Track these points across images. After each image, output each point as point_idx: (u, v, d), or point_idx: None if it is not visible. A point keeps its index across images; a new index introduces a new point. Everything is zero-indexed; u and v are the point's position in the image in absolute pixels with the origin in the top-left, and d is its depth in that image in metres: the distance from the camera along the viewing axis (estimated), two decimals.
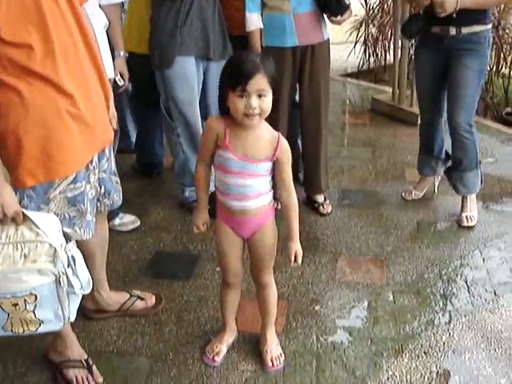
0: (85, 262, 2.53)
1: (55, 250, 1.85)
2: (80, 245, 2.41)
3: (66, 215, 2.06)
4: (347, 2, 3.31)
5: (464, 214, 3.59)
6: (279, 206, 2.25)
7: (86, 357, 2.39)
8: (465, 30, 3.24)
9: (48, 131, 1.87)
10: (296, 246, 2.23)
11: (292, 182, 2.19)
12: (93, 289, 2.59)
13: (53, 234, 1.87)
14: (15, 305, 1.84)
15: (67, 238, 1.98)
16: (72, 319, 2.01)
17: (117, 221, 3.48)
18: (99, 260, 2.59)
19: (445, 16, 3.15)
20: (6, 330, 1.91)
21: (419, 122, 3.89)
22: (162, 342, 2.60)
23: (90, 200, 2.13)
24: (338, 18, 3.35)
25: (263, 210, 2.22)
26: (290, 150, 2.14)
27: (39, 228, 1.84)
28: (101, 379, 2.35)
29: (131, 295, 2.77)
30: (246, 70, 1.96)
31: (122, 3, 3.45)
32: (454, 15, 3.15)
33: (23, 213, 1.85)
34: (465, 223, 3.54)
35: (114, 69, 3.26)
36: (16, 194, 1.90)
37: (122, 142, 3.91)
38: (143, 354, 2.53)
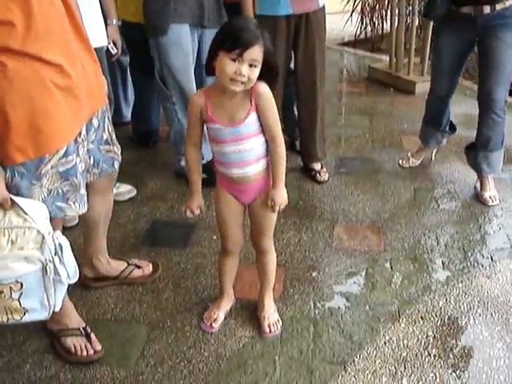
0: (88, 230, 2.58)
1: (43, 236, 1.82)
2: (85, 216, 2.42)
3: (60, 190, 2.02)
4: None
5: (487, 194, 3.50)
6: None
7: (84, 325, 2.39)
8: (499, 7, 3.15)
9: (35, 105, 1.81)
10: (277, 194, 2.18)
11: (280, 130, 2.14)
12: (92, 256, 2.63)
13: (41, 221, 1.84)
14: (0, 292, 1.81)
15: (54, 226, 1.95)
16: (57, 309, 1.98)
17: (113, 190, 3.47)
18: (102, 228, 2.60)
19: None
20: None
21: (429, 96, 3.77)
22: (160, 309, 2.61)
23: (81, 173, 2.09)
24: None
25: (262, 174, 2.21)
26: (269, 94, 2.09)
27: (27, 214, 1.81)
28: (99, 347, 2.35)
29: (129, 264, 2.77)
30: (246, 37, 1.93)
31: None
32: None
33: (11, 199, 1.82)
34: (490, 203, 3.45)
35: (107, 37, 3.23)
36: (6, 172, 1.87)
37: (113, 117, 3.90)
38: (141, 322, 2.54)
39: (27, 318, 1.91)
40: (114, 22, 3.37)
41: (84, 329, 2.38)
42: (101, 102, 2.21)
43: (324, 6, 3.46)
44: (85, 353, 2.33)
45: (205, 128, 2.18)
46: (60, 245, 1.90)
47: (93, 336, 2.37)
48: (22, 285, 1.82)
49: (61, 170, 1.97)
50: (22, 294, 1.84)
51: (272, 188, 2.21)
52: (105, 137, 2.27)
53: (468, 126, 4.33)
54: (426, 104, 3.84)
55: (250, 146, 2.12)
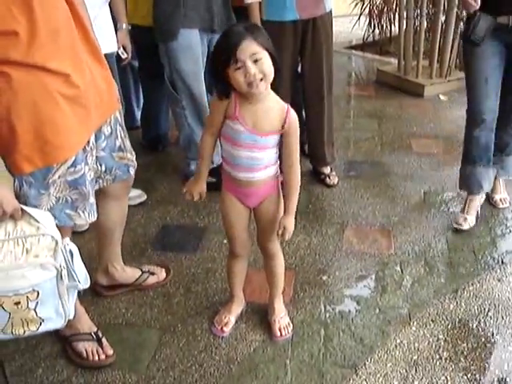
0: (104, 237, 2.57)
1: (56, 242, 1.82)
2: (101, 222, 2.42)
3: (68, 198, 2.02)
4: None
5: (498, 197, 3.46)
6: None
7: (96, 329, 2.40)
8: None
9: (41, 115, 1.81)
10: (287, 221, 2.19)
11: (298, 156, 2.17)
12: (108, 264, 2.62)
13: (53, 227, 1.85)
14: (17, 303, 1.79)
15: (63, 234, 1.93)
16: (71, 316, 1.97)
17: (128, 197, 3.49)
18: (117, 235, 2.60)
19: None
20: (6, 332, 1.85)
21: (472, 128, 3.12)
22: (171, 313, 2.61)
23: (90, 182, 2.08)
24: None
25: (269, 180, 2.21)
26: (297, 122, 2.12)
27: (38, 222, 1.81)
28: (111, 351, 2.36)
29: (143, 271, 2.77)
30: (231, 40, 1.94)
31: None
32: None
33: (22, 209, 1.83)
34: (500, 205, 3.43)
35: (117, 42, 3.24)
36: (14, 181, 1.88)
37: (125, 121, 3.92)
38: (152, 326, 2.54)
39: (43, 327, 1.90)
40: (124, 26, 3.38)
41: (95, 333, 2.39)
42: (112, 108, 2.19)
43: (331, 11, 3.46)
44: (96, 357, 2.34)
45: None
46: (71, 251, 1.90)
47: (104, 341, 2.38)
48: (38, 293, 1.81)
49: (69, 179, 1.96)
50: (38, 303, 1.82)
51: (284, 214, 2.22)
52: (118, 144, 2.25)
53: None
54: (468, 140, 3.20)
55: (262, 155, 2.13)
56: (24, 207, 1.84)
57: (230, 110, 2.08)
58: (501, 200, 3.45)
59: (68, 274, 1.87)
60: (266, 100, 2.06)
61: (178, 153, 3.99)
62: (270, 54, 1.97)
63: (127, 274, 2.71)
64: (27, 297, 1.79)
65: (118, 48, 3.30)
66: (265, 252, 2.43)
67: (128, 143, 2.35)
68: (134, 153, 2.40)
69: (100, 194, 2.35)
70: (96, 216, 2.17)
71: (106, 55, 2.24)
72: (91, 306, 2.62)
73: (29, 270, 1.77)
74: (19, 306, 1.80)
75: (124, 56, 3.38)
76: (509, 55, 2.95)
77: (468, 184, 3.29)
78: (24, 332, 1.87)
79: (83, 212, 2.08)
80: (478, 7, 2.74)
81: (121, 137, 2.28)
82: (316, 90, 3.59)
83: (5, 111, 1.77)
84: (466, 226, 3.19)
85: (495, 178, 3.40)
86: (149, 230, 3.29)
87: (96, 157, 2.14)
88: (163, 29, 3.32)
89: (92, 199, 2.11)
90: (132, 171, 2.39)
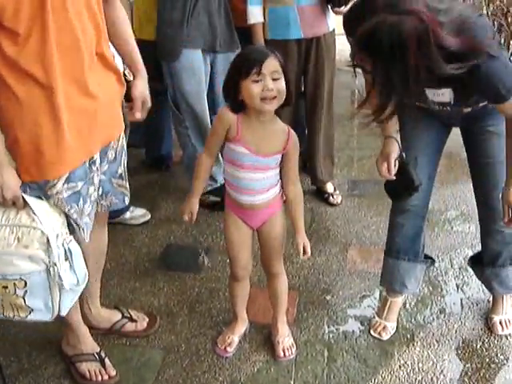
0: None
1: (47, 238, 1.83)
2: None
3: (69, 215, 2.00)
4: None
5: (497, 318, 2.63)
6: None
7: (99, 350, 2.39)
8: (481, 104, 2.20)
9: (41, 130, 1.82)
10: (303, 238, 2.23)
11: (298, 174, 2.22)
12: (83, 303, 2.45)
13: (49, 223, 1.86)
14: (5, 287, 1.85)
15: (71, 231, 1.97)
16: (63, 313, 1.98)
17: (127, 214, 3.50)
18: (92, 271, 2.26)
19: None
20: None
21: (397, 214, 2.61)
22: (174, 333, 2.61)
23: (92, 201, 2.07)
24: (342, 8, 3.32)
25: (272, 201, 2.23)
26: (298, 143, 2.17)
27: (36, 214, 1.84)
28: (114, 372, 2.35)
29: (123, 316, 2.62)
30: (258, 54, 2.02)
31: None
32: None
33: (23, 198, 1.85)
34: (499, 330, 2.59)
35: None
36: (21, 183, 1.89)
37: (131, 138, 3.93)
38: (155, 346, 2.54)
39: (32, 316, 1.94)
40: None
41: (98, 354, 2.38)
42: (119, 131, 2.18)
43: (334, 29, 3.49)
44: (100, 378, 2.33)
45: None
46: (70, 250, 1.91)
47: (107, 361, 2.37)
48: (25, 283, 1.85)
49: (65, 196, 1.95)
50: (26, 292, 1.87)
51: (295, 233, 2.23)
52: (119, 171, 2.25)
53: None
54: (391, 225, 2.66)
55: (264, 176, 2.15)
56: (26, 197, 1.86)
57: (232, 133, 2.10)
58: (501, 322, 2.62)
59: (58, 272, 1.86)
60: (269, 122, 2.10)
61: (182, 172, 4.00)
62: (284, 77, 2.03)
63: (102, 316, 2.57)
64: (14, 283, 1.85)
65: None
66: (269, 272, 2.44)
67: (126, 173, 2.32)
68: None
69: None
70: (88, 238, 2.10)
71: None
72: None
73: (17, 258, 1.82)
74: (7, 290, 1.86)
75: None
76: (465, 140, 2.44)
77: (389, 280, 2.66)
78: (14, 316, 1.94)
79: (82, 230, 2.06)
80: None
81: (123, 165, 2.27)
82: (314, 110, 3.62)
83: (11, 120, 1.80)
84: (385, 337, 2.57)
85: (493, 297, 2.71)
86: (153, 250, 3.30)
87: (100, 179, 2.13)
88: (166, 49, 3.35)
89: (87, 219, 2.06)
90: (127, 201, 2.35)
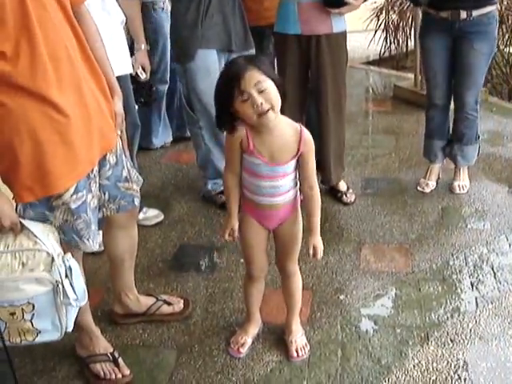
0: (115, 267, 2.55)
1: (52, 258, 1.83)
2: (109, 251, 2.46)
3: (74, 226, 2.03)
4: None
5: (457, 183, 3.81)
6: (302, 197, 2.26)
7: (112, 350, 2.41)
8: (475, 13, 3.32)
9: (42, 146, 1.82)
10: (315, 240, 2.22)
11: (315, 174, 2.19)
12: (121, 293, 2.60)
13: (50, 243, 1.86)
14: (12, 314, 1.83)
15: (65, 248, 1.97)
16: (69, 329, 1.99)
17: (141, 215, 3.50)
18: (127, 264, 2.56)
19: None
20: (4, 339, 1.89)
21: (429, 108, 3.83)
22: (188, 334, 2.61)
23: (93, 210, 2.08)
24: (335, 10, 3.28)
25: (290, 203, 2.23)
26: (312, 141, 2.13)
27: (37, 237, 1.83)
28: (127, 371, 2.37)
29: (157, 299, 2.72)
30: (233, 72, 1.96)
31: None
32: None
33: (21, 222, 1.85)
34: (457, 191, 3.78)
35: (134, 63, 3.28)
36: (17, 204, 1.90)
37: (143, 142, 3.95)
38: (169, 347, 2.55)
39: (40, 338, 1.94)
40: (143, 46, 3.43)
41: (112, 354, 2.40)
42: (115, 139, 2.18)
43: (343, 32, 3.41)
44: (113, 376, 2.35)
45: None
46: (70, 267, 1.90)
47: (121, 361, 2.39)
48: (33, 306, 1.84)
49: (73, 206, 1.97)
50: (33, 315, 1.86)
51: (309, 233, 2.23)
52: (124, 174, 2.25)
53: (494, 143, 4.33)
54: (426, 119, 3.89)
55: (284, 182, 2.14)
56: (23, 221, 1.86)
57: (244, 145, 2.09)
58: (459, 186, 3.80)
59: (64, 289, 1.87)
60: (278, 127, 2.06)
61: (196, 172, 4.00)
62: (274, 81, 1.98)
63: (140, 303, 2.67)
64: (22, 309, 1.84)
65: (137, 68, 3.33)
66: (283, 272, 2.43)
67: (133, 173, 2.34)
68: (140, 180, 2.39)
69: (106, 224, 2.38)
70: (98, 243, 2.17)
71: (119, 77, 2.25)
72: (109, 327, 2.64)
73: (24, 283, 1.81)
74: (15, 317, 1.84)
75: (143, 76, 3.41)
76: (455, 48, 3.47)
77: (427, 154, 3.94)
78: (21, 341, 1.92)
79: (88, 240, 2.09)
80: None
81: (127, 167, 2.28)
82: (320, 110, 3.55)
83: (8, 140, 1.79)
84: (427, 190, 3.82)
85: (455, 166, 3.86)
86: (166, 250, 3.30)
87: (99, 184, 2.13)
88: (181, 50, 3.37)
89: (93, 227, 2.10)
90: (137, 202, 2.36)
